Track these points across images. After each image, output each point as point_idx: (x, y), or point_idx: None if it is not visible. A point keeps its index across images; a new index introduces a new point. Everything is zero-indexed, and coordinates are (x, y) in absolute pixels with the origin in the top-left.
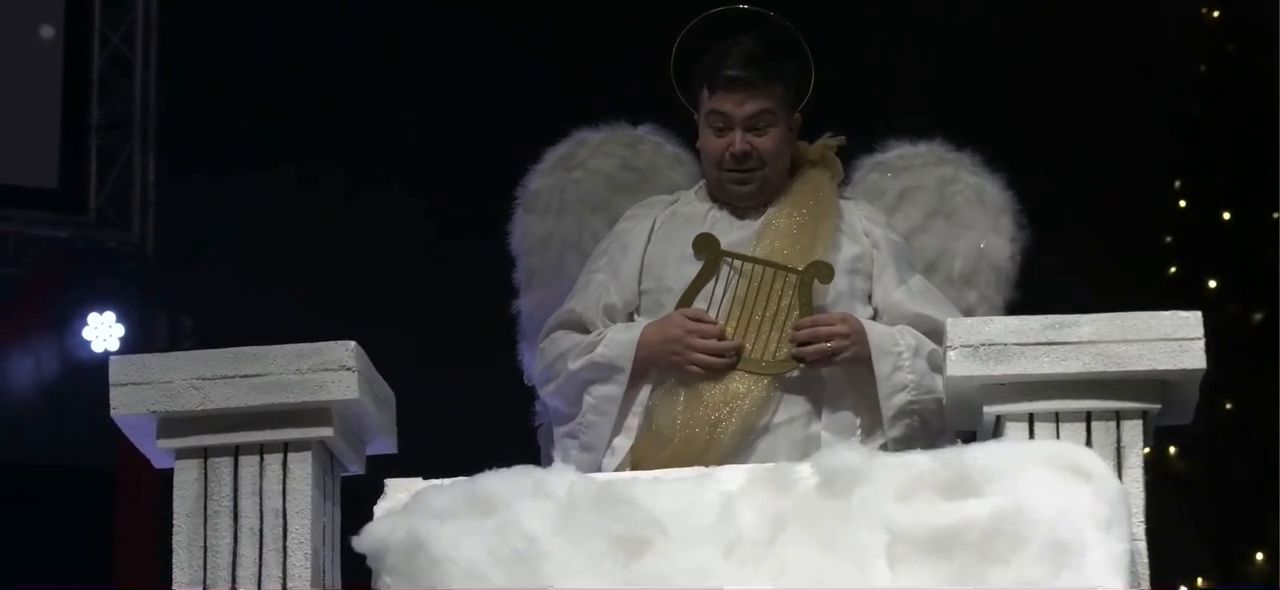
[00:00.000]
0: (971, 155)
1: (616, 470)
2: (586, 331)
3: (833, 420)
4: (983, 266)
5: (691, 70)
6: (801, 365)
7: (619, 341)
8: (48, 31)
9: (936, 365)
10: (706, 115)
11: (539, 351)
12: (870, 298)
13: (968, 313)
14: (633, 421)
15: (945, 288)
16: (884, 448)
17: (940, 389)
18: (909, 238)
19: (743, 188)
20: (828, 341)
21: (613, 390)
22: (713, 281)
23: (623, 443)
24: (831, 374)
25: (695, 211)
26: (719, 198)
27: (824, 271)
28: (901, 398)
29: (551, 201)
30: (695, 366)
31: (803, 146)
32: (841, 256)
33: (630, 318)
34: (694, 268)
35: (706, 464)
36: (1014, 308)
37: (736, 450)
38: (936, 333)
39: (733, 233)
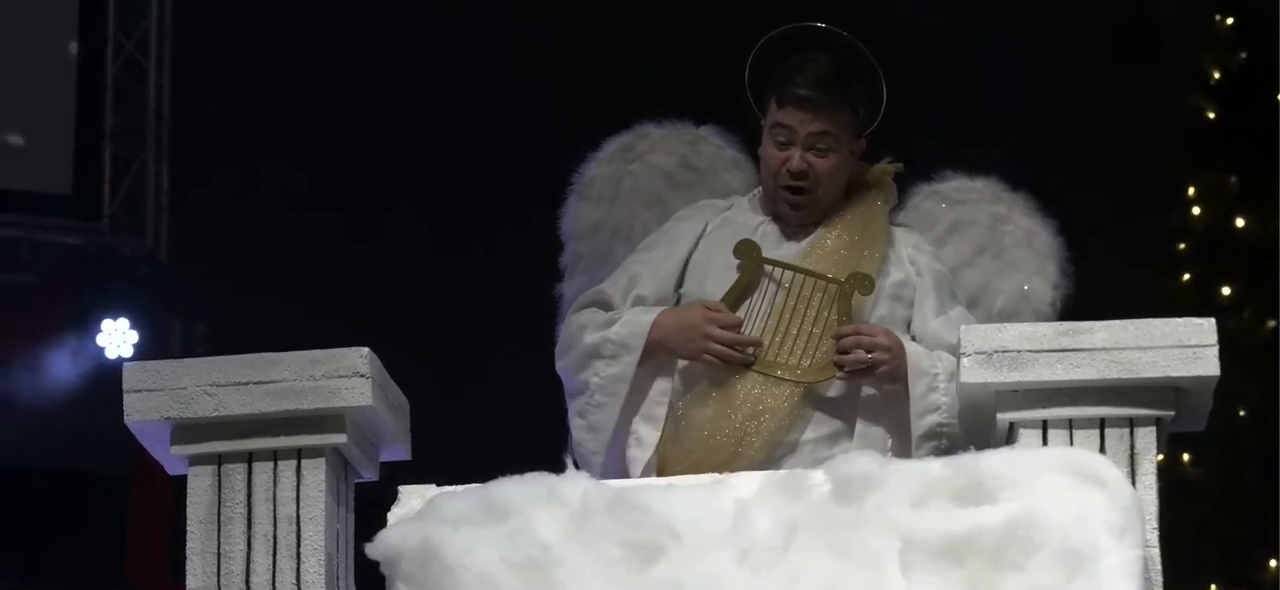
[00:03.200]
0: (1026, 198)
1: (646, 462)
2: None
3: (864, 440)
4: (1023, 309)
5: (764, 76)
6: (839, 374)
7: (634, 322)
8: (74, 48)
9: None
10: (771, 127)
11: (564, 323)
12: (909, 325)
13: None
14: (657, 412)
15: (984, 324)
16: None
17: None
18: (955, 271)
19: (796, 210)
20: (868, 352)
21: (620, 370)
22: (753, 289)
23: (649, 434)
24: (865, 397)
25: (747, 222)
26: (770, 212)
27: (864, 283)
28: (932, 419)
29: (606, 190)
30: (711, 356)
31: (861, 168)
32: (885, 283)
33: None
34: (733, 278)
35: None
36: None
37: (761, 465)
38: None
39: (781, 248)
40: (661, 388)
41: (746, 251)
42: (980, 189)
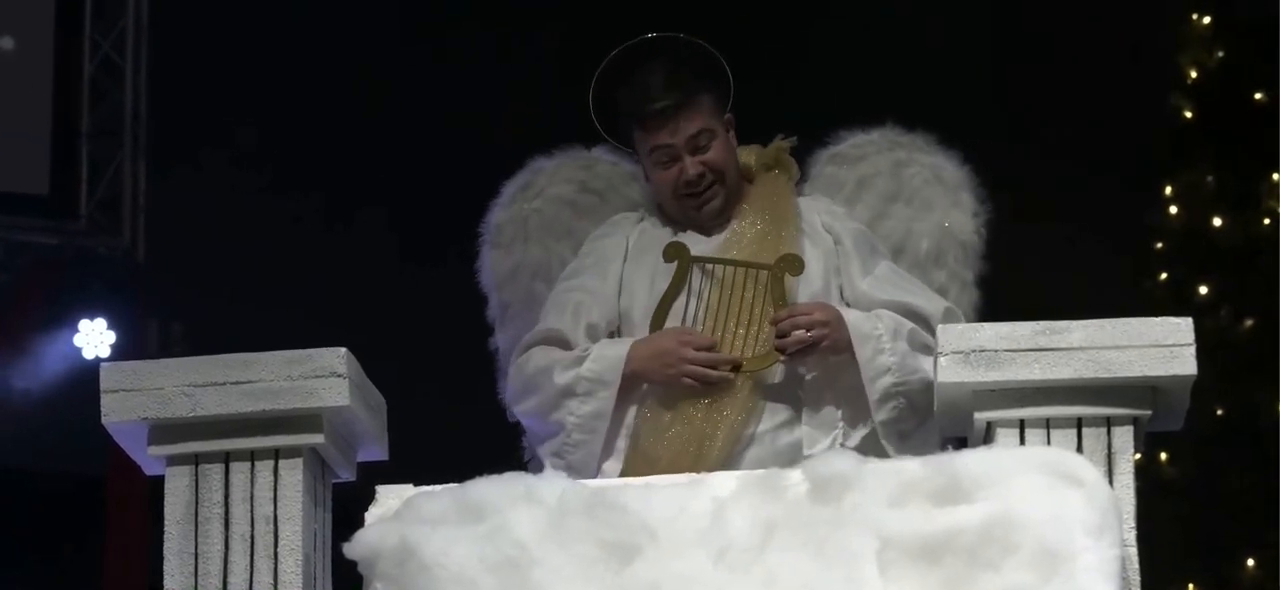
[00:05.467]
0: (924, 135)
1: None
2: (569, 348)
3: (815, 417)
4: (949, 244)
5: (614, 113)
6: (783, 358)
7: (607, 357)
8: (7, 43)
9: (917, 345)
10: (649, 152)
11: (515, 367)
12: (842, 293)
13: (939, 293)
14: (620, 445)
15: (914, 270)
16: (869, 435)
17: (923, 369)
18: (872, 225)
19: (708, 207)
20: (807, 330)
21: (597, 406)
22: (685, 290)
23: (612, 467)
24: (811, 373)
25: (663, 233)
26: (684, 222)
27: (794, 265)
28: (886, 381)
29: (516, 233)
30: (689, 379)
31: (756, 152)
32: (809, 259)
33: (610, 337)
34: (665, 284)
35: None
36: (1001, 311)
37: (723, 465)
38: (911, 313)
39: (699, 248)
40: (626, 420)
41: (676, 253)
42: (876, 140)
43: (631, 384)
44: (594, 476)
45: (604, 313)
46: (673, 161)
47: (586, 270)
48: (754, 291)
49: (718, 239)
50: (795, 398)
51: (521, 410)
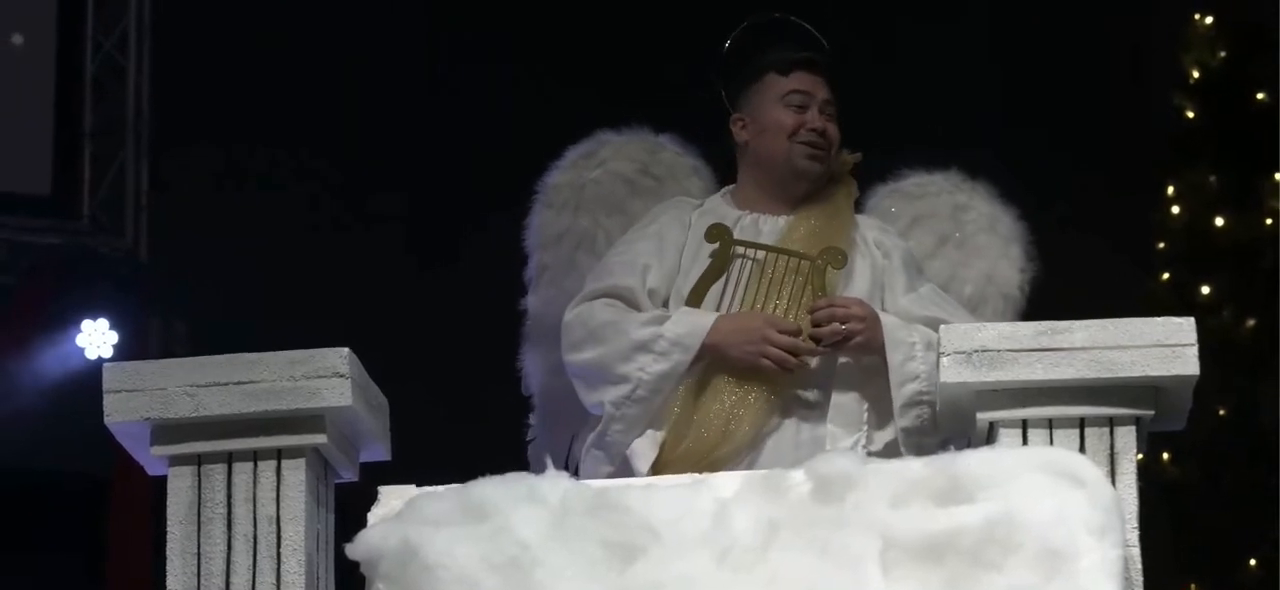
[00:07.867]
0: (987, 185)
1: (651, 460)
2: (636, 305)
3: (840, 413)
4: (991, 294)
5: (730, 72)
6: (818, 349)
7: (690, 322)
8: (18, 39)
9: None
10: (785, 94)
11: (576, 315)
12: (882, 307)
13: None
14: (667, 411)
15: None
16: (893, 441)
17: None
18: (920, 263)
19: (814, 164)
20: (843, 323)
21: (669, 367)
22: (725, 273)
23: (655, 433)
24: (840, 369)
25: (726, 214)
26: (744, 205)
27: (836, 257)
28: (913, 387)
29: (569, 198)
30: (768, 360)
31: None
32: (856, 271)
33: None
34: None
35: (718, 460)
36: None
37: (747, 447)
38: None
39: (747, 235)
40: (680, 389)
41: (718, 235)
42: (940, 181)
43: (705, 355)
44: (636, 438)
45: (664, 282)
46: (805, 108)
47: (648, 237)
48: (795, 282)
49: (769, 229)
50: (822, 388)
51: (579, 360)
